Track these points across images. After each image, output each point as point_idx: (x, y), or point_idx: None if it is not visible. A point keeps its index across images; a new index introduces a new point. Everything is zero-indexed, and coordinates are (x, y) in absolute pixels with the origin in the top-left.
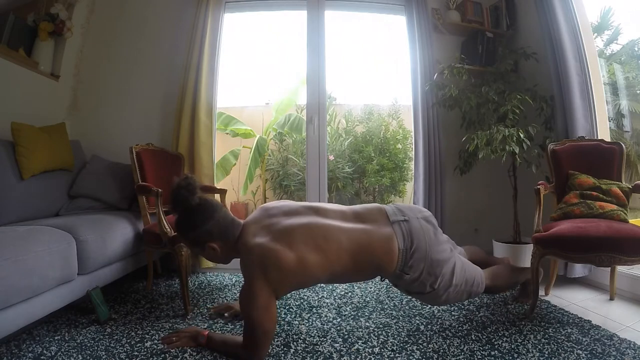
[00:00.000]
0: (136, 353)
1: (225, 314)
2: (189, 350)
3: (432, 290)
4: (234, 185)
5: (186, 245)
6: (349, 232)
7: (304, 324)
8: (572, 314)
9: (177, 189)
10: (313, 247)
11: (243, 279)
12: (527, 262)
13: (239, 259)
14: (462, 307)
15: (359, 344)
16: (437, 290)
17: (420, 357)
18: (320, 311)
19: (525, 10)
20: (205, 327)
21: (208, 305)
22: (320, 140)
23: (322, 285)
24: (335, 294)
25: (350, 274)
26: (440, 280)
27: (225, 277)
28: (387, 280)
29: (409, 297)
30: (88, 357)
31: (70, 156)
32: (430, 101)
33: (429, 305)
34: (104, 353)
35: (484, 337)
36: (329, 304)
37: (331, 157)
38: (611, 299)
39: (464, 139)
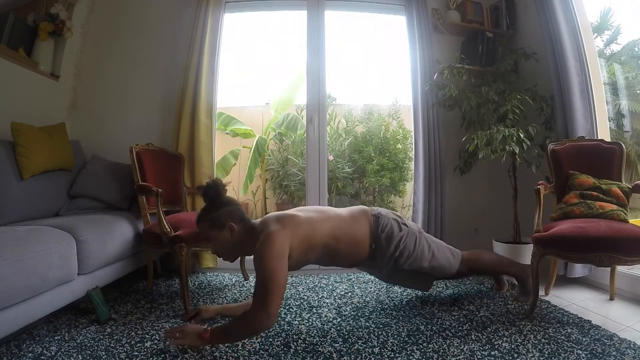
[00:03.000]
0: (136, 353)
1: (202, 316)
2: (189, 350)
3: (407, 229)
4: (234, 185)
5: (204, 232)
6: (343, 213)
7: (304, 324)
8: (572, 314)
9: (213, 183)
10: (318, 215)
11: (256, 249)
12: (527, 262)
13: (255, 245)
14: (462, 307)
15: (359, 344)
16: (411, 228)
17: (420, 357)
18: (320, 311)
19: (525, 10)
20: (205, 327)
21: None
22: (320, 140)
23: (322, 285)
24: (335, 294)
25: (346, 242)
26: (407, 222)
27: (225, 277)
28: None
29: (405, 287)
30: (88, 357)
31: (70, 156)
32: (430, 101)
33: (425, 288)
34: (104, 353)
35: (484, 337)
36: (329, 304)
37: (331, 157)
38: (611, 299)
39: (464, 139)
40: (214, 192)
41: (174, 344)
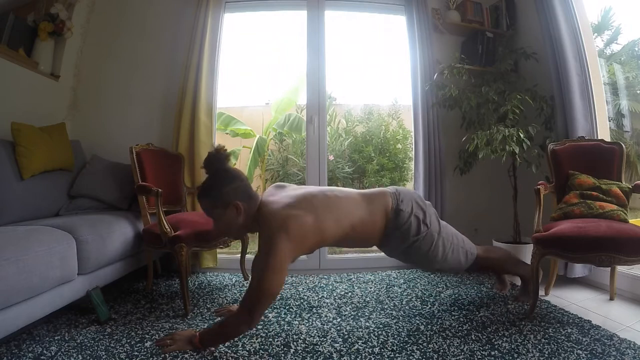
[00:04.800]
0: (136, 353)
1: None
2: (189, 349)
3: (427, 230)
4: None
5: (207, 210)
6: (356, 193)
7: (304, 324)
8: (572, 314)
9: (216, 152)
10: (327, 209)
11: (260, 248)
12: (527, 262)
13: (258, 231)
14: (462, 307)
15: (359, 344)
16: (430, 230)
17: (420, 357)
18: (320, 311)
19: (525, 10)
20: (205, 327)
21: (208, 306)
22: (320, 140)
23: (322, 285)
24: (335, 294)
25: (360, 233)
26: (429, 219)
27: (225, 277)
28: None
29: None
30: (88, 357)
31: (70, 156)
32: (430, 101)
33: (433, 300)
34: (104, 353)
35: (484, 337)
36: (329, 304)
37: (331, 157)
38: (611, 299)
39: (464, 139)
40: (217, 165)
41: (166, 351)
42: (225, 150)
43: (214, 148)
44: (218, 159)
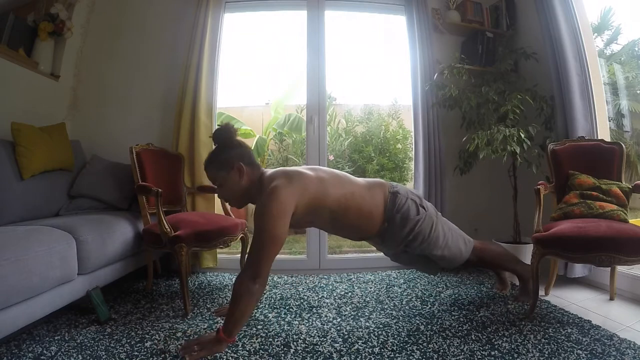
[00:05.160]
0: (136, 353)
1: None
2: (222, 351)
3: (425, 213)
4: None
5: (212, 174)
6: (359, 181)
7: (304, 324)
8: (572, 314)
9: (225, 125)
10: (331, 177)
11: (259, 202)
12: (527, 262)
13: (258, 197)
14: (462, 307)
15: (359, 344)
16: (429, 212)
17: (420, 357)
18: (320, 311)
19: (525, 10)
20: (205, 327)
21: (208, 306)
22: (320, 140)
23: (322, 285)
24: (335, 294)
25: (356, 213)
26: (425, 203)
27: (225, 277)
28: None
29: (411, 268)
30: (88, 357)
31: (70, 156)
32: (430, 101)
33: (435, 271)
34: (104, 353)
35: (484, 337)
36: (329, 304)
37: (331, 157)
38: (611, 299)
39: (464, 139)
40: (225, 134)
41: (195, 358)
42: (232, 125)
43: (223, 123)
44: (226, 130)
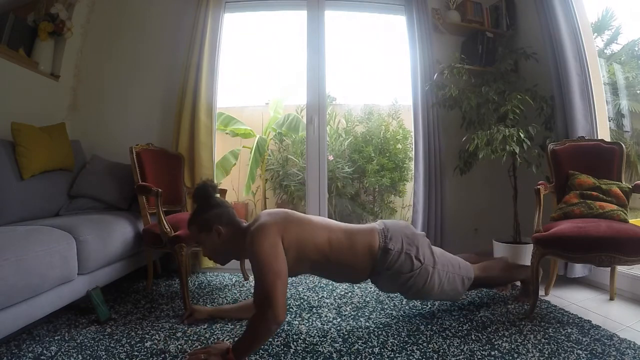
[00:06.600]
0: (136, 353)
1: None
2: (189, 349)
3: (420, 266)
4: (234, 186)
5: (194, 235)
6: (345, 229)
7: (304, 324)
8: (572, 314)
9: (204, 183)
10: (315, 220)
11: (249, 255)
12: (527, 262)
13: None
14: (462, 307)
15: (359, 344)
16: (425, 265)
17: (420, 357)
18: (320, 311)
19: (525, 10)
20: (205, 327)
21: (208, 306)
22: (320, 140)
23: (322, 285)
24: (335, 294)
25: (345, 253)
26: (422, 253)
27: (225, 277)
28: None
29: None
30: (88, 357)
31: (70, 156)
32: (430, 101)
33: (431, 302)
34: (104, 353)
35: (484, 337)
36: (329, 304)
37: (331, 157)
38: (611, 299)
39: (464, 139)
40: (202, 194)
41: None
42: (212, 181)
43: (201, 181)
44: (203, 190)
